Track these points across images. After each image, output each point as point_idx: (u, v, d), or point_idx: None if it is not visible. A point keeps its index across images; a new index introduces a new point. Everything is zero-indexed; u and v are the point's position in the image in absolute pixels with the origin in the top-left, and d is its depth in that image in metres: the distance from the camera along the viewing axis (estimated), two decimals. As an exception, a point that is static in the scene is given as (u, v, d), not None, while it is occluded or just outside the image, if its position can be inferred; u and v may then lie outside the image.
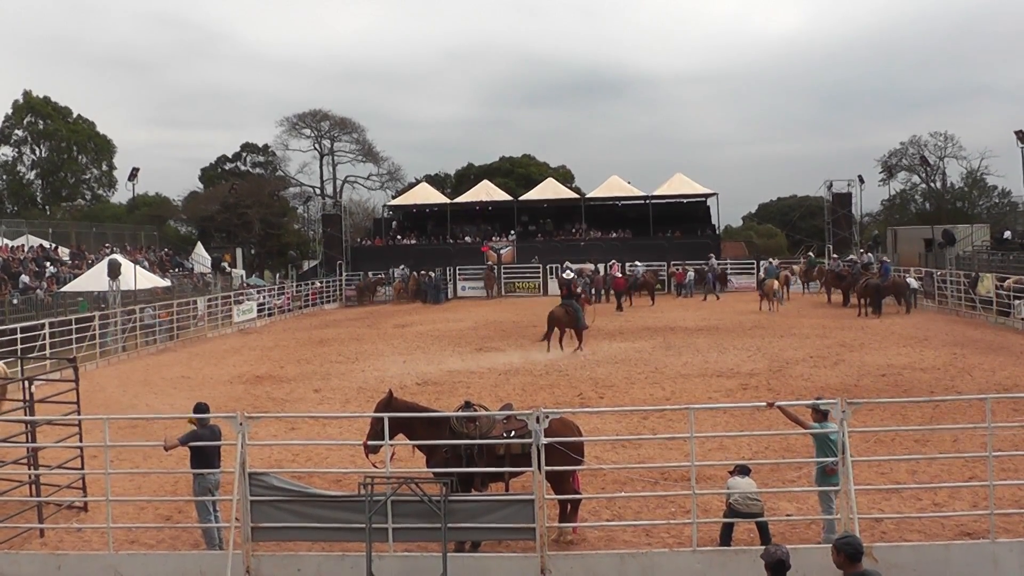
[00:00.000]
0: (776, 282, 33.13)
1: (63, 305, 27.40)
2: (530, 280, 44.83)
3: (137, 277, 29.31)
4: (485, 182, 54.62)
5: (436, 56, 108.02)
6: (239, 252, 52.27)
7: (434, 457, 9.06)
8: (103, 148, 65.66)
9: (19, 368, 12.18)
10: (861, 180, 49.10)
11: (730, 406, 14.47)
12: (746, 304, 33.88)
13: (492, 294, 43.68)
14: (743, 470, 8.78)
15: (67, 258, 36.56)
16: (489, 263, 45.37)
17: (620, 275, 36.93)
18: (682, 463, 10.13)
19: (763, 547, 7.63)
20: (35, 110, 62.62)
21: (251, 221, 57.89)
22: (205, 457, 8.98)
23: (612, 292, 37.83)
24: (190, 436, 8.94)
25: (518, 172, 66.86)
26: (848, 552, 5.70)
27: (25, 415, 10.11)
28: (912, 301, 30.06)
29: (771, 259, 39.86)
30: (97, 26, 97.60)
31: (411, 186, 62.08)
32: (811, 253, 43.52)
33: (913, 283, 30.99)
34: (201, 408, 9.26)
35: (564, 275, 25.46)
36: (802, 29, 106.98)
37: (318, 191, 70.19)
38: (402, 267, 44.68)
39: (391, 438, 8.72)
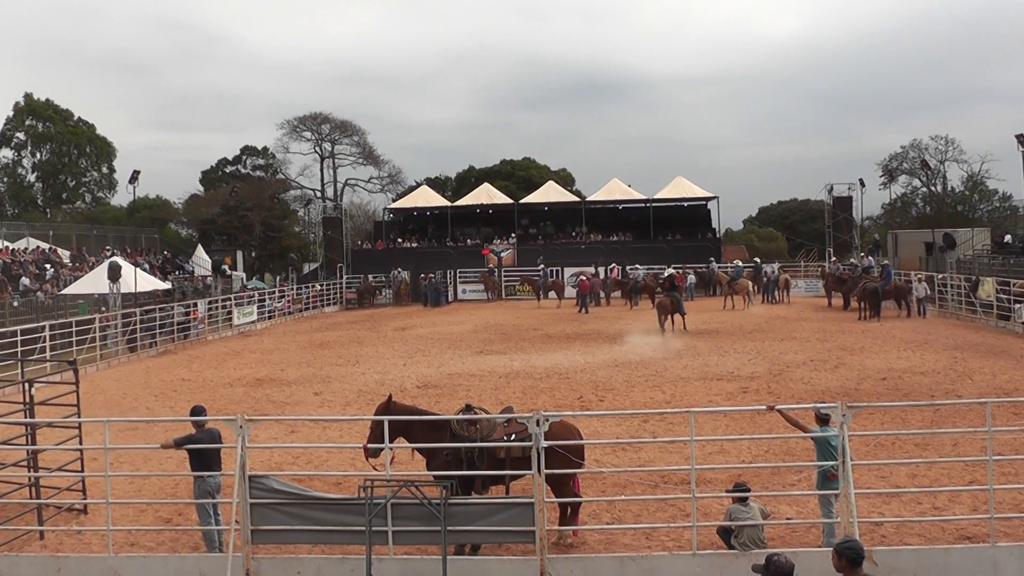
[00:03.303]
0: (750, 282, 35.83)
1: (63, 307, 27.44)
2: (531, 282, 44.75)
3: (137, 280, 29.32)
4: (486, 185, 54.67)
5: (436, 59, 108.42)
6: (239, 255, 52.27)
7: (435, 460, 9.06)
8: (103, 150, 65.78)
9: (19, 370, 12.17)
10: (862, 183, 49.09)
11: (730, 409, 14.48)
12: (744, 307, 34.07)
13: (492, 297, 43.66)
14: (741, 490, 8.44)
15: (67, 260, 36.58)
16: (489, 266, 45.34)
17: (585, 279, 37.38)
18: (682, 466, 10.12)
19: (764, 552, 7.61)
20: (36, 112, 62.73)
21: (251, 224, 57.95)
22: (204, 460, 8.97)
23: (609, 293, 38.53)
24: (185, 439, 8.92)
25: (519, 175, 66.93)
26: (850, 556, 5.68)
27: (25, 417, 10.11)
28: (923, 310, 29.71)
29: (736, 260, 42.73)
30: (97, 29, 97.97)
31: (412, 189, 62.14)
32: (757, 259, 43.88)
33: (921, 291, 30.22)
34: (198, 411, 9.24)
35: (667, 272, 30.54)
36: (802, 32, 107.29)
37: (319, 194, 70.31)
38: (399, 270, 44.68)
39: (391, 441, 8.73)
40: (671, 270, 31.79)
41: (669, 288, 28.81)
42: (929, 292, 30.57)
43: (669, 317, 27.41)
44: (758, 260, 43.39)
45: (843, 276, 34.64)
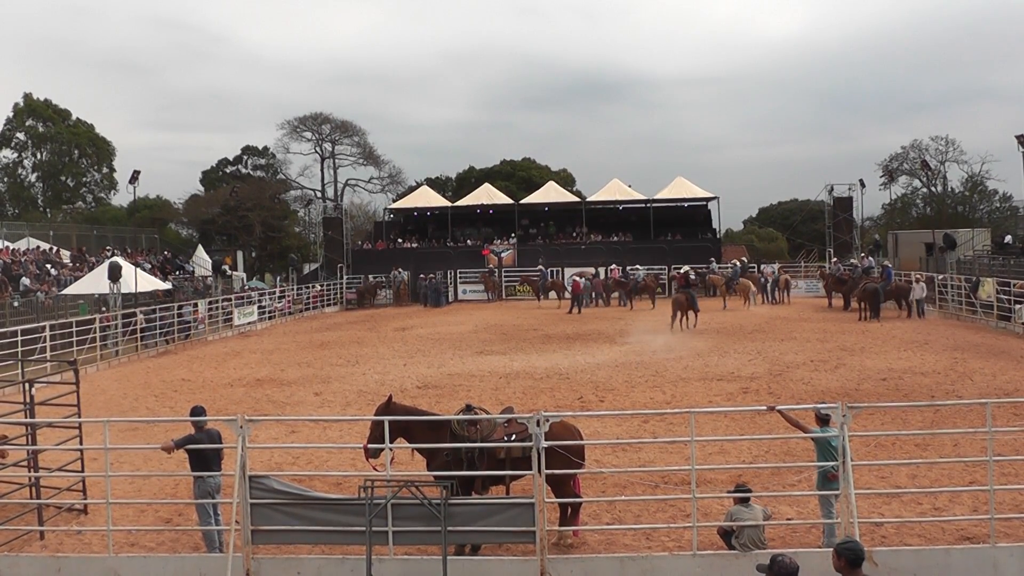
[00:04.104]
0: (751, 283, 36.26)
1: (64, 308, 27.43)
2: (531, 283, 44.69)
3: (138, 280, 29.33)
4: (486, 185, 54.69)
5: (437, 59, 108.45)
6: (240, 255, 52.28)
7: (435, 460, 9.06)
8: (103, 151, 65.77)
9: (20, 370, 12.19)
10: (862, 184, 49.06)
11: (731, 410, 14.47)
12: (745, 307, 34.13)
13: (492, 297, 43.62)
14: (743, 491, 8.46)
15: (68, 261, 36.58)
16: (489, 266, 45.32)
17: (577, 280, 37.27)
18: (682, 467, 10.11)
19: (766, 552, 7.60)
20: (36, 113, 62.73)
21: (252, 224, 57.97)
22: (204, 460, 8.97)
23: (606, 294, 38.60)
24: (185, 440, 8.92)
25: (519, 175, 66.94)
26: (849, 557, 5.69)
27: (26, 417, 10.11)
28: (922, 311, 29.64)
29: (735, 261, 42.51)
30: (97, 29, 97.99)
31: (412, 189, 62.15)
32: (744, 259, 43.99)
33: (920, 292, 30.12)
34: (197, 411, 9.24)
35: (684, 269, 31.12)
36: (803, 31, 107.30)
37: (319, 194, 70.36)
38: (399, 270, 44.66)
39: (391, 441, 8.73)
40: (687, 267, 31.97)
41: (684, 284, 28.76)
42: (927, 292, 30.55)
43: (683, 314, 27.32)
44: (745, 260, 43.43)
45: (843, 277, 34.65)
